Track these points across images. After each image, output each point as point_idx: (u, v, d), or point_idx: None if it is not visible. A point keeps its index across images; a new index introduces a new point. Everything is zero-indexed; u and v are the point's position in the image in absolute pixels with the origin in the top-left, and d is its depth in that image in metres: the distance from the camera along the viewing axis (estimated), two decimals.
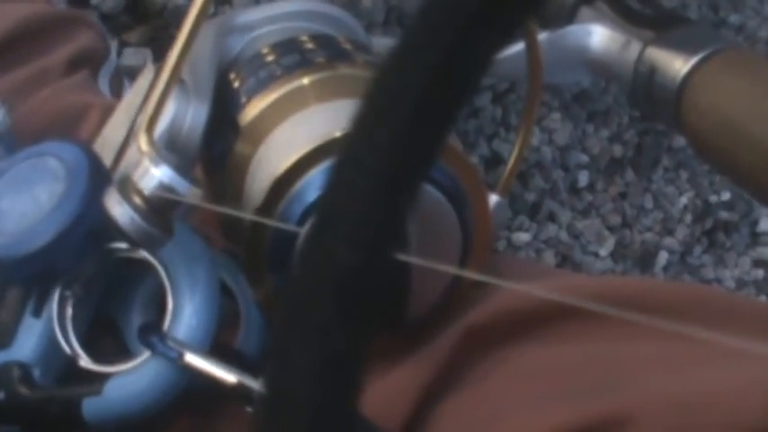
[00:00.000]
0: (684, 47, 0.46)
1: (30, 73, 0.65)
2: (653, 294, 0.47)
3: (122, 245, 0.46)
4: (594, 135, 1.67)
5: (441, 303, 0.46)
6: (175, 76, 0.40)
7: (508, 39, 0.27)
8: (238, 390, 0.42)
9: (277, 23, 0.47)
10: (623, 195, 1.73)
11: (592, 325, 0.45)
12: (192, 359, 0.43)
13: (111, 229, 0.39)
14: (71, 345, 0.46)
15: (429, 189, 0.43)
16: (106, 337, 0.48)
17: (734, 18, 1.78)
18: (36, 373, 0.47)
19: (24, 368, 0.46)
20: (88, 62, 0.68)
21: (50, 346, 0.47)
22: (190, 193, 0.38)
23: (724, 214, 1.84)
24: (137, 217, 0.39)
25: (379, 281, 0.27)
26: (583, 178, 1.67)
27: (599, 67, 0.50)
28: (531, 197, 1.60)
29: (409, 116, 0.26)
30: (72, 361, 0.46)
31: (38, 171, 0.47)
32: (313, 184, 0.41)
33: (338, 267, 0.26)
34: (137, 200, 0.39)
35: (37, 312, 0.47)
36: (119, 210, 0.39)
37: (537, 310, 0.46)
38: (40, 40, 0.67)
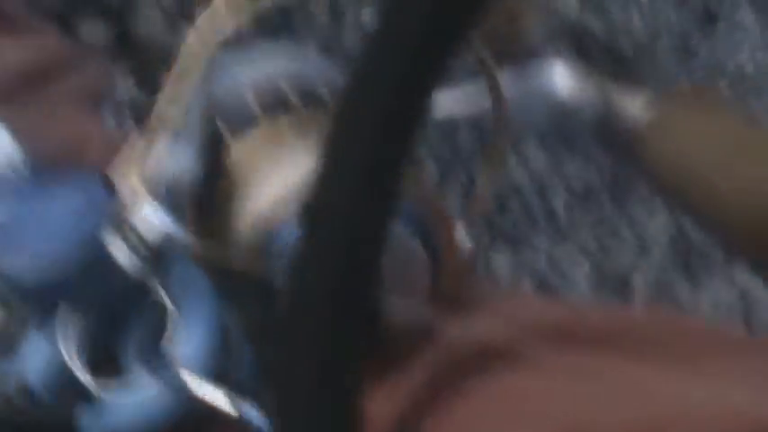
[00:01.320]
0: (641, 91, 0.49)
1: (39, 106, 0.67)
2: (627, 325, 0.50)
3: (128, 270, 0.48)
4: (570, 163, 1.70)
5: (414, 330, 0.48)
6: (167, 122, 0.43)
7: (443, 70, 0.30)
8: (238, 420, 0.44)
9: (259, 64, 0.50)
10: (600, 221, 1.75)
11: (566, 357, 0.48)
12: (193, 384, 0.45)
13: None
14: (73, 362, 0.48)
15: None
16: (107, 360, 0.50)
17: (704, 47, 1.81)
18: (36, 386, 0.49)
19: (24, 380, 0.48)
20: (93, 95, 0.71)
21: (53, 361, 0.48)
22: (185, 237, 0.41)
23: (699, 238, 1.86)
24: (135, 258, 0.41)
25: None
26: (559, 204, 1.70)
27: (559, 106, 0.52)
28: (507, 223, 1.63)
29: (366, 161, 0.29)
30: (73, 378, 0.48)
31: (56, 199, 0.49)
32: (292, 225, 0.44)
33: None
34: (134, 240, 0.41)
35: (43, 328, 0.49)
36: (119, 252, 0.42)
37: (511, 342, 0.48)
38: (50, 74, 0.69)
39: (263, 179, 0.45)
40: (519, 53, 0.55)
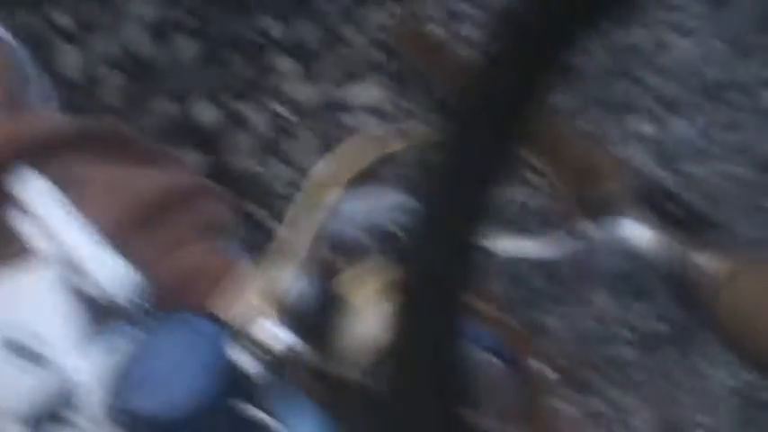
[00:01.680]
0: (715, 248, 0.52)
1: (166, 239, 0.71)
2: None
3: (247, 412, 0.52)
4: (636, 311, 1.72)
5: None
6: (289, 250, 0.49)
7: None
8: None
9: (374, 211, 0.55)
10: (666, 373, 1.75)
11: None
12: None
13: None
14: None
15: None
16: None
17: None
18: None
19: None
20: (219, 231, 0.76)
21: None
22: (305, 348, 0.46)
23: (765, 395, 1.84)
24: (259, 366, 0.46)
25: None
26: (626, 353, 1.70)
27: (634, 258, 0.56)
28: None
29: None
30: None
31: (182, 343, 0.54)
32: None
33: None
34: (258, 351, 0.46)
35: None
36: (244, 361, 0.46)
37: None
38: (178, 209, 0.74)
39: (370, 306, 0.49)
40: (599, 208, 0.59)
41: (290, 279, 0.50)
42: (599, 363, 1.67)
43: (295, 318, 0.49)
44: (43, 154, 0.69)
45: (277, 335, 0.46)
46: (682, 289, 0.53)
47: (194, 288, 0.64)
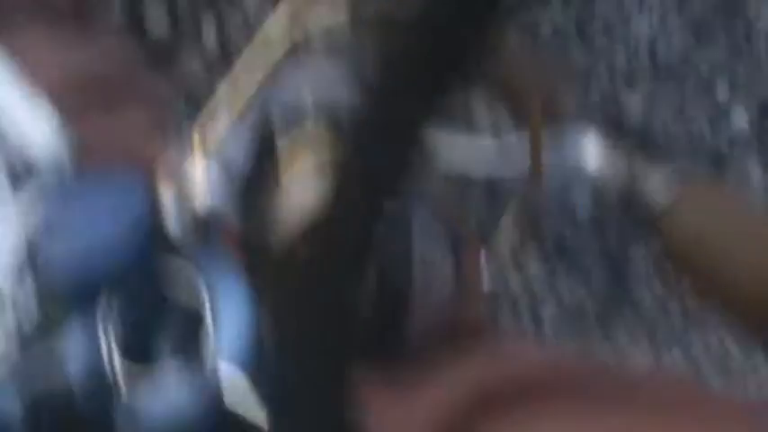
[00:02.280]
0: (670, 170, 0.52)
1: (104, 106, 0.70)
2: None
3: (166, 267, 0.50)
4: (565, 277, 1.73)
5: (438, 336, 0.50)
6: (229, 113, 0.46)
7: None
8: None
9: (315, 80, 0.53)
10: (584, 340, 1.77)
11: (578, 404, 0.50)
12: (227, 384, 0.46)
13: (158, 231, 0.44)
14: (111, 359, 0.50)
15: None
16: (142, 357, 0.51)
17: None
18: (74, 383, 0.50)
19: (63, 376, 0.50)
20: (159, 108, 0.74)
21: (91, 358, 0.50)
22: (235, 212, 0.44)
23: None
24: (185, 228, 0.44)
25: None
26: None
27: (587, 176, 0.55)
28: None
29: None
30: (110, 376, 0.50)
31: (101, 199, 0.52)
32: None
33: None
34: (186, 207, 0.44)
35: (83, 323, 0.51)
36: (170, 218, 0.44)
37: (543, 381, 0.50)
38: (119, 84, 0.73)
39: (299, 178, 0.47)
40: (551, 124, 0.58)
41: (224, 136, 0.48)
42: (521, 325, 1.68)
43: (225, 177, 0.47)
44: None
45: (204, 193, 0.44)
46: (631, 209, 0.53)
47: (128, 150, 0.64)
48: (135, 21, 1.40)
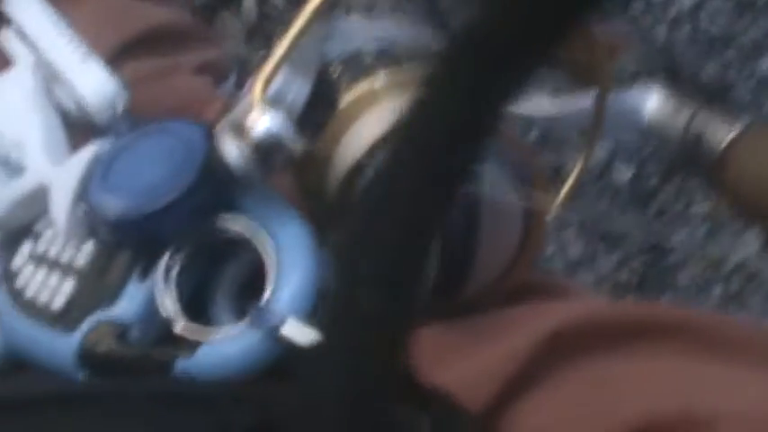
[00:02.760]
0: (729, 117, 0.52)
1: (159, 66, 0.70)
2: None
3: (227, 221, 0.50)
4: (605, 256, 1.72)
5: (499, 284, 0.50)
6: (292, 47, 0.46)
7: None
8: None
9: (378, 27, 0.53)
10: None
11: (664, 345, 0.50)
12: (290, 330, 0.46)
13: (217, 169, 0.44)
14: (171, 309, 0.50)
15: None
16: (201, 306, 0.51)
17: None
18: (133, 333, 0.50)
19: (122, 327, 0.50)
20: (213, 73, 0.74)
21: (151, 309, 0.51)
22: (293, 141, 0.44)
23: None
24: (244, 156, 0.44)
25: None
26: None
27: (649, 129, 0.55)
28: None
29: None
30: (169, 326, 0.50)
31: (159, 146, 0.52)
32: None
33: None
34: (246, 141, 0.44)
35: (143, 276, 0.51)
36: (228, 148, 0.44)
37: (616, 325, 0.50)
38: (173, 43, 0.73)
39: (374, 120, 0.47)
40: (613, 80, 0.58)
41: (288, 81, 0.48)
42: None
43: (285, 119, 0.47)
44: None
45: (265, 123, 0.44)
46: (691, 154, 0.53)
47: (183, 111, 0.62)
48: None
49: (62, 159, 0.57)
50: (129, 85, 0.60)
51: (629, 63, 0.57)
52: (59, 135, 0.60)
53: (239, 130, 0.45)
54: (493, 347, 0.50)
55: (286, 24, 0.49)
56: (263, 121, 0.44)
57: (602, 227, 1.69)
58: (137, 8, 0.73)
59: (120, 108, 0.58)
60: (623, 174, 1.68)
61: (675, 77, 1.35)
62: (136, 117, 0.59)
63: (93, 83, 0.60)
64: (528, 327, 0.51)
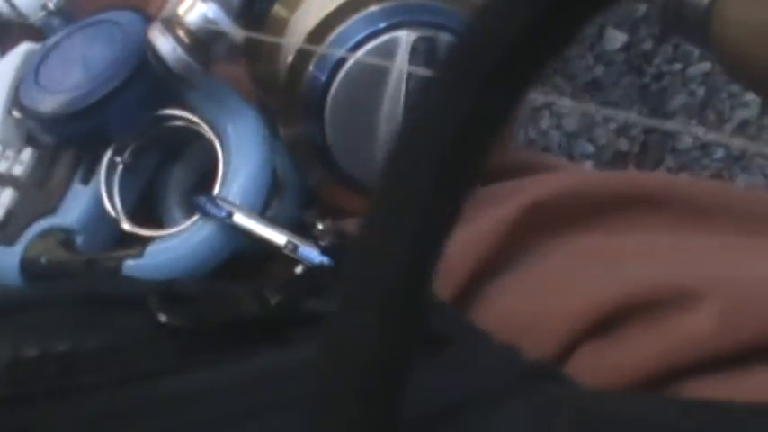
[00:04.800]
0: None
1: None
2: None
3: (173, 112, 0.47)
4: (602, 125, 1.68)
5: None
6: None
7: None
8: (287, 251, 0.43)
9: None
10: None
11: (651, 216, 0.46)
12: (241, 219, 0.43)
13: (153, 64, 0.40)
14: (116, 209, 0.47)
15: None
16: (149, 205, 0.48)
17: None
18: (79, 239, 0.48)
19: (67, 233, 0.47)
20: None
21: (96, 212, 0.48)
22: (231, 28, 0.40)
23: None
24: (179, 48, 0.40)
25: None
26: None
27: None
28: None
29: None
30: (116, 228, 0.47)
31: (95, 37, 0.48)
32: (344, 36, 0.42)
33: None
34: (180, 32, 0.40)
35: (86, 179, 0.49)
36: (161, 41, 0.40)
37: (601, 196, 0.47)
38: None
39: (311, 6, 0.44)
40: None
41: None
42: None
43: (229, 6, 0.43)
44: None
45: (200, 10, 0.40)
46: (677, 10, 0.49)
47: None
48: None
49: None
50: None
51: None
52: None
53: (174, 21, 0.40)
54: (470, 226, 0.47)
55: None
56: (197, 9, 0.40)
57: (597, 96, 1.65)
58: None
59: (51, 5, 0.54)
60: (616, 40, 1.63)
61: None
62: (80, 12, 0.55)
63: None
64: (508, 200, 0.47)
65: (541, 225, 0.48)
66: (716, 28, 0.47)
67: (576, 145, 1.66)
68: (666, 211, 0.47)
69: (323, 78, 0.42)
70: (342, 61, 0.42)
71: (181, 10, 0.40)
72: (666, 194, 0.48)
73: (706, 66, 1.64)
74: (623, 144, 1.69)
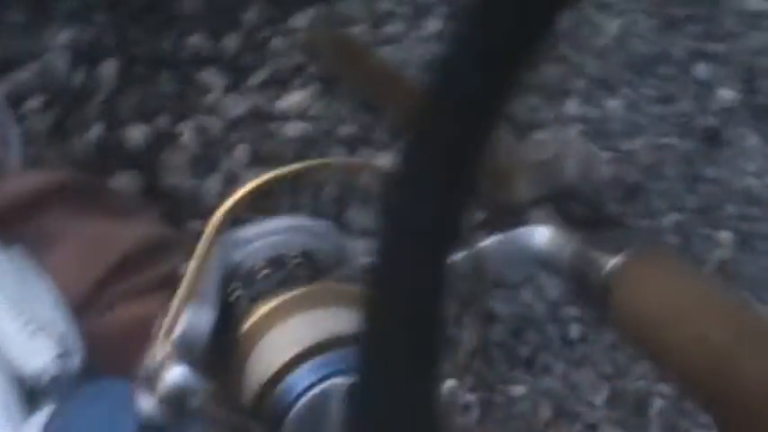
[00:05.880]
0: (612, 247, 0.53)
1: (124, 288, 0.73)
2: None
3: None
4: None
5: None
6: (192, 291, 0.50)
7: None
8: None
9: (270, 237, 0.56)
10: (614, 346, 1.78)
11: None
12: None
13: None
14: None
15: None
16: None
17: (709, 171, 1.86)
18: None
19: None
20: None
21: None
22: (201, 389, 0.47)
23: None
24: (158, 409, 0.48)
25: None
26: (575, 331, 1.72)
27: (543, 264, 0.57)
28: (525, 351, 1.66)
29: None
30: None
31: (96, 412, 0.55)
32: (297, 381, 0.50)
33: None
34: (158, 395, 0.48)
35: None
36: (145, 403, 0.48)
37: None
38: (145, 261, 0.75)
39: (272, 347, 0.51)
40: (510, 217, 0.60)
41: (193, 319, 0.51)
42: (547, 342, 1.70)
43: (195, 356, 0.50)
44: (23, 216, 0.72)
45: (176, 375, 0.47)
46: (581, 288, 0.55)
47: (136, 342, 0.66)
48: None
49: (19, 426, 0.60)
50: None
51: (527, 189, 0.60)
52: (16, 406, 0.63)
53: (151, 381, 0.48)
54: None
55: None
56: (170, 375, 0.48)
57: None
58: (111, 235, 0.77)
59: (70, 372, 0.62)
60: None
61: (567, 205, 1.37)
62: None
63: (35, 355, 0.63)
64: None
65: None
66: (612, 309, 0.52)
67: (560, 311, 1.71)
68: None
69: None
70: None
71: (157, 376, 0.48)
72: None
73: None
74: None
